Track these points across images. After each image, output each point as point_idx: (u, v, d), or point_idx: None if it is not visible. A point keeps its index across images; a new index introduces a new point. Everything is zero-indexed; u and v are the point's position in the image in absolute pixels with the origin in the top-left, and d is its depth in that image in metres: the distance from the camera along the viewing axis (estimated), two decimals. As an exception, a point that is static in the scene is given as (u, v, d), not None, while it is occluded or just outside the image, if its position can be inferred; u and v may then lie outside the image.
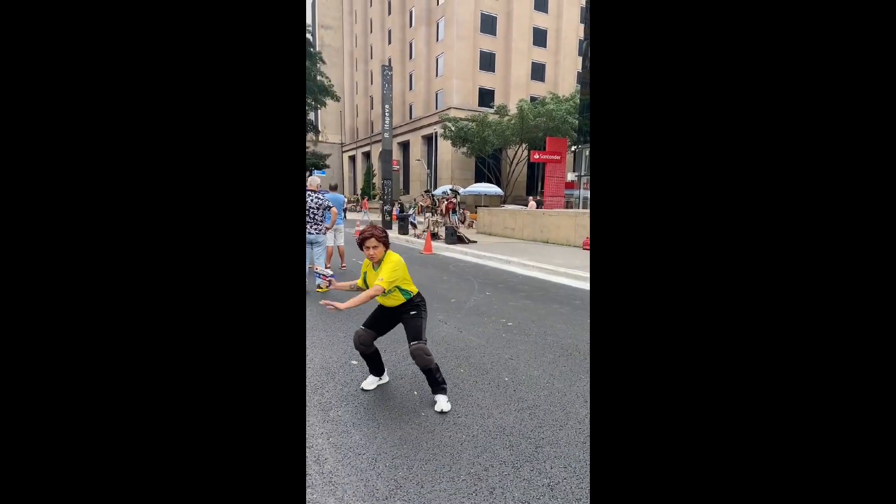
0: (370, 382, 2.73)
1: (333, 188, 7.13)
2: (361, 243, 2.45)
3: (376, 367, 2.71)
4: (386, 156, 15.98)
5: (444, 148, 28.55)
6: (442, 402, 2.45)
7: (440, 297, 5.08)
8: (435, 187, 26.28)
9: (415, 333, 2.47)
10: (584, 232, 9.93)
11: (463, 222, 14.76)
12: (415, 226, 13.92)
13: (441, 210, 14.16)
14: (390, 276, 2.36)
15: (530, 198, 20.11)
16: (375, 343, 2.63)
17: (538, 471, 1.89)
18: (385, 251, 2.48)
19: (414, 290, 2.54)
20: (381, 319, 2.61)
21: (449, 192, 15.06)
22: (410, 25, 33.18)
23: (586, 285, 6.04)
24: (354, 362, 3.12)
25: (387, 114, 15.93)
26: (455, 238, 10.62)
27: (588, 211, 13.62)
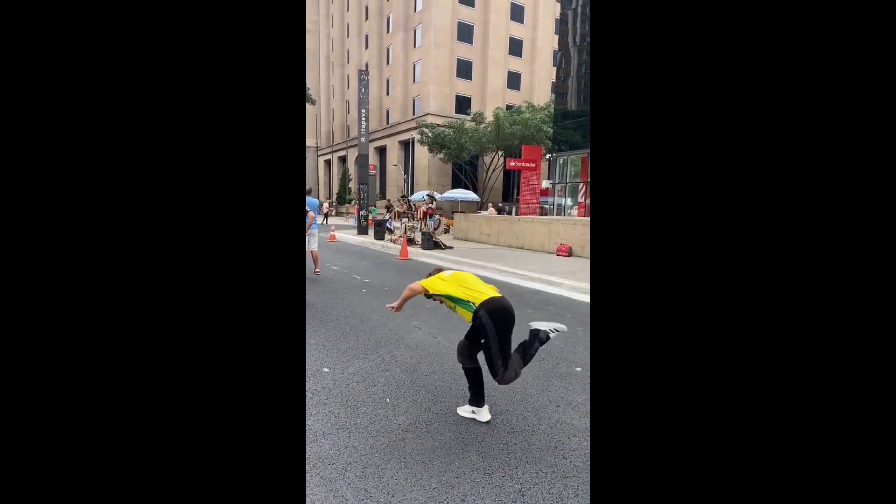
0: (465, 410, 2.46)
1: (308, 192, 7.02)
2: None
3: (475, 390, 2.41)
4: (362, 160, 15.86)
5: (422, 153, 28.61)
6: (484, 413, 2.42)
7: (415, 303, 5.04)
8: (412, 192, 26.26)
9: (485, 359, 2.26)
10: (558, 238, 10.10)
11: (437, 228, 14.77)
12: (391, 231, 13.84)
13: (418, 215, 14.15)
14: (430, 281, 2.37)
15: (489, 204, 20.28)
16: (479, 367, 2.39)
17: (510, 476, 1.89)
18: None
19: (477, 299, 2.24)
20: (472, 332, 2.43)
21: (426, 197, 15.05)
22: (388, 31, 33.21)
23: (560, 291, 6.14)
24: (326, 370, 3.06)
25: (363, 118, 15.83)
26: (431, 244, 10.61)
27: (561, 218, 13.88)
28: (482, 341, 2.26)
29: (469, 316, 2.26)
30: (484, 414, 2.40)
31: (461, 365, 2.40)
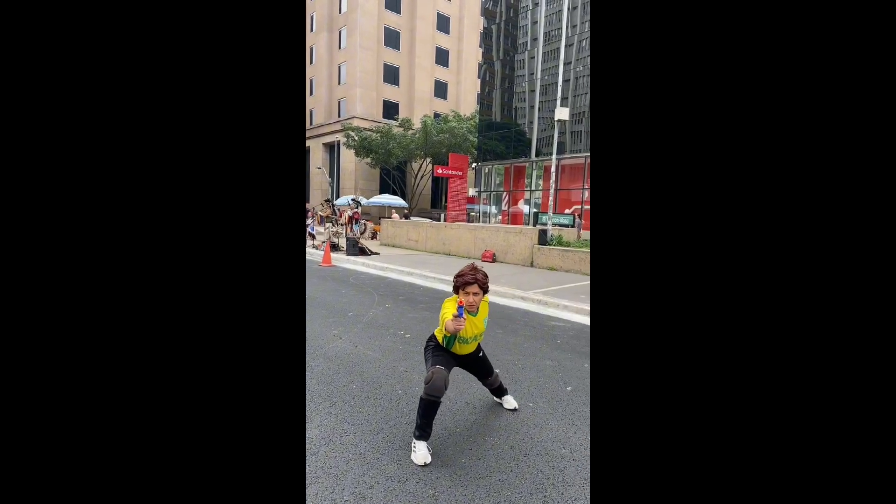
0: (423, 456, 2.03)
1: None
2: (460, 288, 2.09)
3: (428, 427, 2.09)
4: (283, 162, 15.04)
5: (348, 157, 27.93)
6: (511, 401, 2.65)
7: (337, 312, 4.89)
8: (337, 196, 25.49)
9: (488, 369, 2.52)
10: (483, 245, 10.42)
11: (363, 233, 14.49)
12: (313, 237, 13.29)
13: (342, 220, 13.75)
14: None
15: (393, 210, 20.27)
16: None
17: (424, 482, 1.89)
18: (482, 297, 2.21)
19: (479, 334, 2.35)
20: (460, 364, 2.41)
21: (351, 202, 14.68)
22: (311, 30, 32.09)
23: (530, 306, 6.31)
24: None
25: (284, 118, 15.05)
26: (357, 250, 10.37)
27: (487, 225, 14.34)
28: (485, 359, 2.53)
29: (473, 348, 2.40)
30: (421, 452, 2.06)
31: (429, 401, 2.06)
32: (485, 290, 2.16)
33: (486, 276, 2.16)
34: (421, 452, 2.05)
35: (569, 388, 2.99)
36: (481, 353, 2.50)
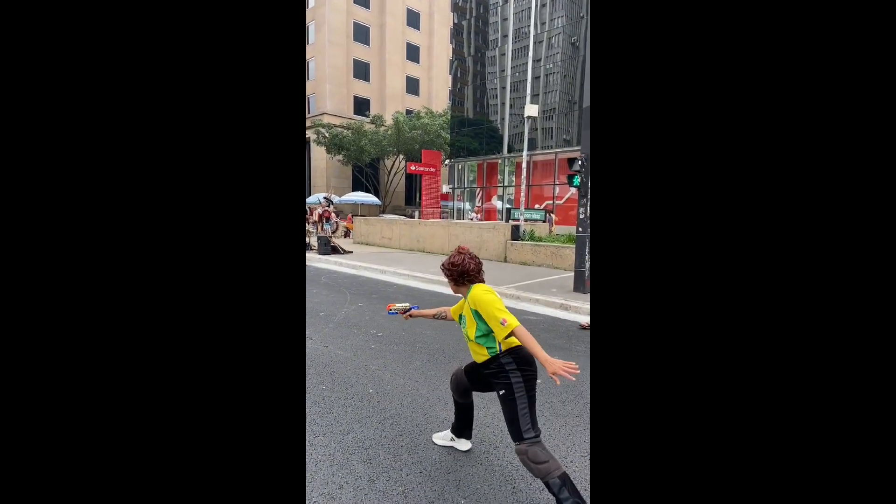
0: (442, 437, 2.17)
1: None
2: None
3: (460, 423, 2.08)
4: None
5: (319, 154, 27.41)
6: None
7: (309, 312, 4.81)
8: (309, 195, 25.01)
9: (509, 422, 1.64)
10: (457, 241, 10.45)
11: (335, 231, 14.28)
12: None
13: (313, 218, 13.51)
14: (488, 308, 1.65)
15: (349, 215, 18.62)
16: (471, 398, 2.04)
17: (394, 480, 1.89)
18: (465, 287, 1.79)
19: (503, 341, 1.68)
20: (472, 372, 1.94)
21: (322, 200, 14.43)
22: (278, 24, 31.21)
23: (540, 308, 6.33)
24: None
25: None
26: (329, 248, 10.21)
27: (460, 221, 14.38)
28: (507, 401, 1.67)
29: (481, 355, 1.78)
30: (464, 443, 2.13)
31: (452, 396, 2.05)
32: (455, 279, 1.78)
33: (460, 262, 1.77)
34: (440, 434, 2.20)
35: (539, 381, 3.04)
36: (497, 381, 1.72)
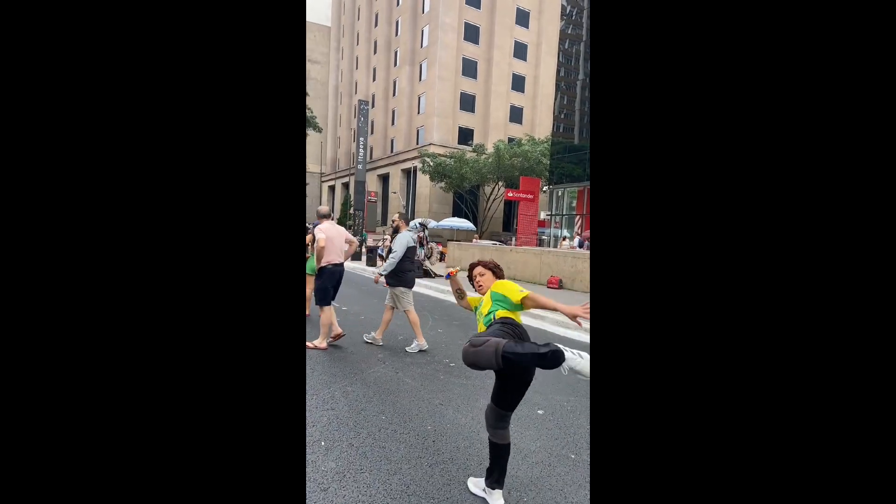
0: (476, 484, 2.03)
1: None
2: (472, 280, 2.23)
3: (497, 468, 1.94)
4: (359, 187, 16.00)
5: (423, 182, 28.91)
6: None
7: (388, 334, 4.87)
8: (412, 218, 26.35)
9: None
10: (549, 270, 9.95)
11: (429, 257, 14.65)
12: (383, 258, 13.73)
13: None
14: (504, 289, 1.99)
15: (445, 240, 18.71)
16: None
17: (429, 540, 1.68)
18: (489, 284, 2.13)
19: (517, 302, 1.95)
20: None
21: (418, 225, 15.02)
22: (395, 65, 34.28)
23: (546, 325, 5.93)
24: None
25: (361, 146, 16.08)
26: (420, 272, 10.48)
27: (554, 250, 13.74)
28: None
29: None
30: (497, 498, 1.90)
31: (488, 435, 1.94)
32: (492, 269, 2.23)
33: (490, 261, 2.27)
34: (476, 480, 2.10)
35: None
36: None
